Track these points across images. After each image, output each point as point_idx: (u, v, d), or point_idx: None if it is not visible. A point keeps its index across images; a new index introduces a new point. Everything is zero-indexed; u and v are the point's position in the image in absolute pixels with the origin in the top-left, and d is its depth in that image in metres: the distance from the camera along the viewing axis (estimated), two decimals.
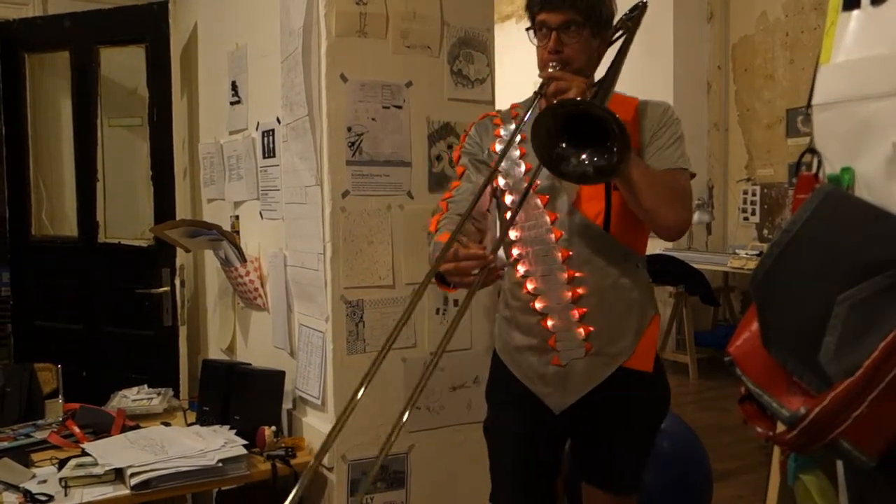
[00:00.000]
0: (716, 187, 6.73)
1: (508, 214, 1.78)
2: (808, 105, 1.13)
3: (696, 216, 6.44)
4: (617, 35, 1.84)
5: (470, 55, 2.43)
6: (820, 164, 1.11)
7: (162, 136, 3.36)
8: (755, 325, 1.05)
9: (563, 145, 1.50)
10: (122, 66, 3.54)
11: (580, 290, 1.73)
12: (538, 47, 1.73)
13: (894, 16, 1.00)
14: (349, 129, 2.26)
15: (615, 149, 1.46)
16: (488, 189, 1.78)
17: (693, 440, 2.93)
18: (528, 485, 1.85)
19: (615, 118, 1.43)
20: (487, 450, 1.92)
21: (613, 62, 1.71)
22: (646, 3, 1.87)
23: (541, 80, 1.71)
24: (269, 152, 2.69)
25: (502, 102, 2.52)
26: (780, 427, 1.03)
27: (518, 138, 1.77)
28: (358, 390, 1.25)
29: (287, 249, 2.57)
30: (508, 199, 1.80)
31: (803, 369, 0.99)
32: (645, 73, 6.83)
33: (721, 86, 6.67)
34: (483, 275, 1.54)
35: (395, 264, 2.34)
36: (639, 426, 1.83)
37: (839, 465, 1.18)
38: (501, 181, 1.81)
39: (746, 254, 5.69)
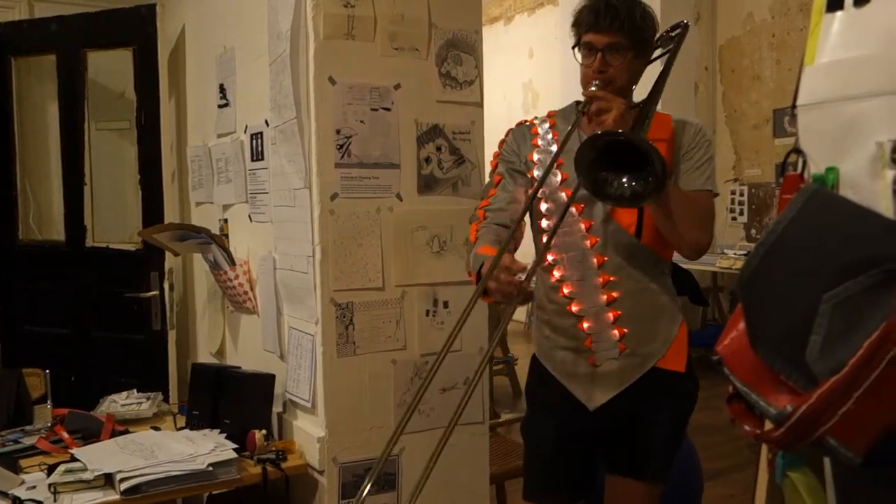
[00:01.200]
0: None
1: (543, 222, 1.86)
2: (794, 106, 1.14)
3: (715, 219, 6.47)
4: (658, 54, 1.91)
5: (458, 57, 2.44)
6: (805, 164, 1.12)
7: (150, 140, 3.35)
8: (742, 325, 1.06)
9: (604, 172, 1.59)
10: (110, 69, 3.53)
11: (614, 294, 1.82)
12: (582, 65, 1.80)
13: (877, 17, 1.01)
14: (338, 132, 2.26)
15: (652, 178, 1.55)
16: (523, 197, 1.87)
17: (685, 440, 2.95)
18: (560, 482, 1.95)
19: (654, 150, 1.53)
20: (524, 448, 2.03)
21: (656, 84, 1.80)
22: (687, 23, 1.94)
23: (583, 98, 1.79)
24: (257, 155, 2.69)
25: (490, 104, 2.53)
26: (768, 425, 1.03)
27: (554, 147, 1.86)
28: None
29: (276, 252, 2.56)
30: (544, 206, 1.87)
31: (790, 368, 0.99)
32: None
33: (709, 87, 6.71)
34: (520, 298, 1.63)
35: (385, 266, 2.34)
36: (672, 418, 1.91)
37: (826, 462, 1.19)
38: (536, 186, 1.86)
39: (735, 254, 5.72)
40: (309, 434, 2.33)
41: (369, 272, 2.32)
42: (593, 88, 1.73)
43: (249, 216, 2.79)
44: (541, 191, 1.86)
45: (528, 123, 1.96)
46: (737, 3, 6.48)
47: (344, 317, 2.29)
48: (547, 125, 1.92)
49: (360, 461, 2.31)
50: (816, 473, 1.19)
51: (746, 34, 6.41)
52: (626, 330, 1.82)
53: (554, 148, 1.85)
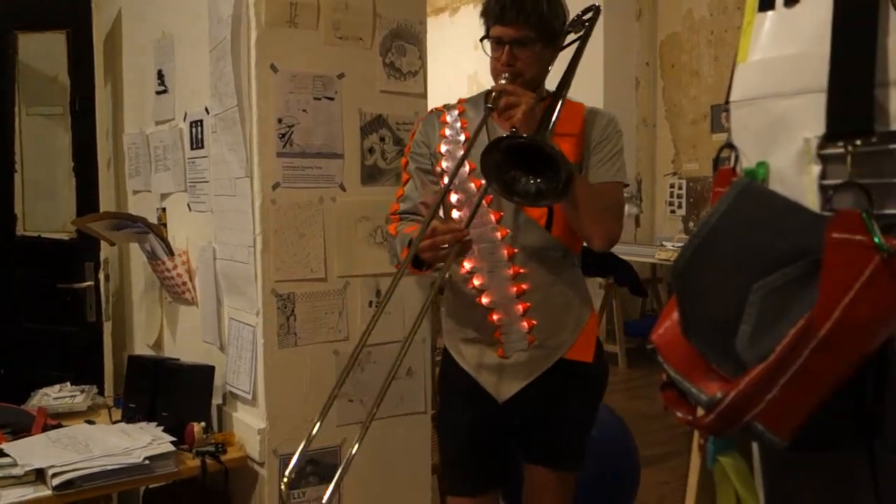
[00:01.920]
0: (644, 181, 6.89)
1: (454, 213, 1.85)
2: (727, 102, 1.17)
3: (625, 209, 6.59)
4: (569, 41, 1.89)
5: (402, 47, 2.43)
6: (737, 158, 1.16)
7: (84, 126, 3.25)
8: (676, 315, 1.09)
9: (512, 172, 1.60)
10: (42, 52, 3.41)
11: (524, 286, 1.82)
12: (492, 58, 1.80)
13: (806, 17, 1.05)
14: (280, 121, 2.23)
15: (559, 180, 1.56)
16: (432, 199, 1.85)
17: (621, 428, 3.01)
18: (476, 471, 1.97)
19: (559, 153, 1.53)
20: (438, 439, 2.05)
21: (566, 74, 1.78)
22: (599, 7, 1.94)
23: (488, 89, 1.80)
24: (197, 143, 2.64)
25: (434, 95, 2.53)
26: (700, 412, 1.07)
27: (462, 137, 1.87)
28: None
29: (216, 242, 2.52)
30: (454, 197, 1.86)
31: (720, 356, 1.02)
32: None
33: (649, 82, 6.84)
34: (457, 249, 1.66)
35: (328, 257, 2.32)
36: (580, 405, 1.95)
37: (755, 446, 1.23)
38: (447, 179, 1.85)
39: (673, 246, 5.85)
40: (249, 426, 2.31)
41: (311, 263, 2.30)
42: (502, 82, 1.73)
43: (189, 205, 2.74)
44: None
45: (437, 111, 1.95)
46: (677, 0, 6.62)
47: (285, 308, 2.27)
48: (456, 113, 1.92)
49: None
50: (745, 458, 1.23)
51: (686, 30, 6.55)
52: (535, 322, 1.83)
53: (462, 137, 1.86)
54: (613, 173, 1.83)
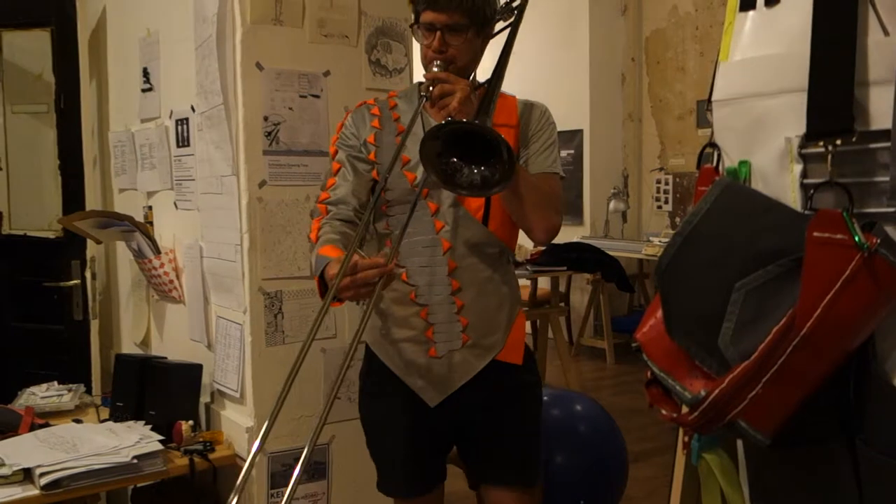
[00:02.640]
0: (631, 177, 6.92)
1: (386, 207, 1.79)
2: (709, 101, 1.19)
3: (611, 205, 6.61)
4: (500, 28, 1.83)
5: (388, 45, 2.43)
6: (720, 157, 1.17)
7: (70, 124, 3.23)
8: (660, 313, 1.10)
9: (454, 160, 1.52)
10: (26, 50, 3.38)
11: (459, 282, 1.75)
12: (422, 45, 1.74)
13: (786, 17, 1.06)
14: (266, 119, 2.23)
15: (499, 166, 1.49)
16: (367, 182, 1.81)
17: (609, 423, 3.03)
18: (418, 473, 1.87)
19: (501, 139, 1.46)
20: (367, 440, 1.93)
21: (499, 63, 1.70)
22: None
23: (420, 82, 1.73)
24: (183, 141, 2.63)
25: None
26: (684, 409, 1.08)
27: (394, 127, 1.80)
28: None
29: (203, 240, 2.52)
30: (387, 192, 1.78)
31: (704, 353, 1.04)
32: (562, 64, 6.97)
33: (635, 77, 6.86)
34: (384, 283, 1.54)
35: None
36: (521, 416, 1.84)
37: (739, 443, 1.25)
38: (379, 171, 1.80)
39: (660, 241, 5.88)
40: (237, 424, 2.31)
41: (299, 260, 2.30)
42: (435, 69, 1.68)
43: (175, 203, 2.73)
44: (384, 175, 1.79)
45: (367, 104, 1.88)
46: None
47: (273, 305, 2.27)
48: (388, 105, 1.85)
49: (289, 450, 2.30)
50: (730, 455, 1.25)
51: (671, 26, 6.57)
52: (469, 320, 1.75)
53: (395, 129, 1.80)
54: (550, 163, 1.78)
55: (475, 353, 1.77)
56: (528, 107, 1.83)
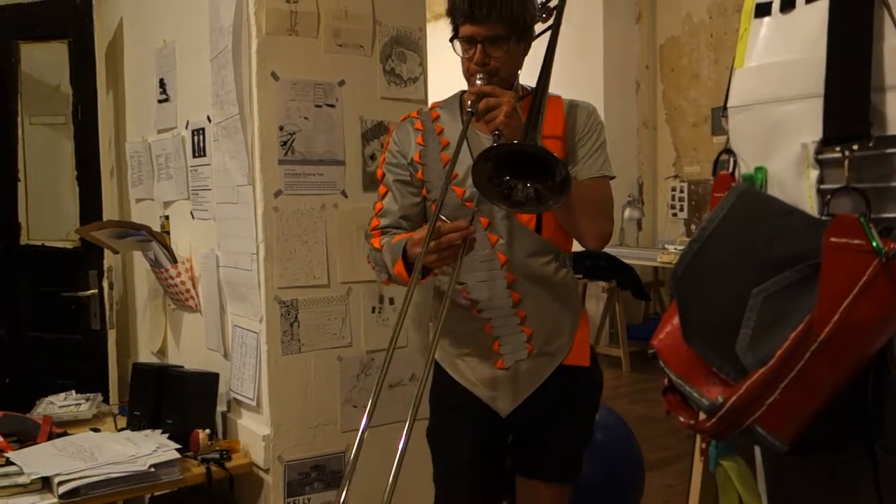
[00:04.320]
0: (645, 184, 6.90)
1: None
2: (724, 107, 1.18)
3: (626, 213, 6.60)
4: (542, 30, 1.82)
5: (402, 54, 2.44)
6: (736, 163, 1.17)
7: (87, 135, 3.27)
8: (676, 320, 1.10)
9: (506, 178, 1.52)
10: (44, 62, 3.43)
11: (520, 294, 1.75)
12: (463, 58, 1.72)
13: (801, 23, 1.06)
14: (281, 128, 2.25)
15: (556, 183, 1.48)
16: (416, 203, 1.82)
17: (626, 431, 3.01)
18: (482, 488, 1.87)
19: (552, 156, 1.46)
20: (432, 455, 1.92)
21: (543, 71, 1.69)
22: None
23: (462, 90, 1.74)
24: (199, 151, 2.65)
25: (433, 101, 2.54)
26: (701, 416, 1.07)
27: (439, 142, 1.80)
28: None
29: (219, 250, 2.53)
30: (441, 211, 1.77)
31: (721, 360, 1.03)
32: (576, 72, 6.96)
33: (649, 85, 6.84)
34: (464, 247, 1.58)
35: (330, 263, 2.33)
36: (580, 416, 1.88)
37: (757, 450, 1.24)
38: (430, 192, 1.81)
39: (675, 249, 5.85)
40: (254, 432, 2.32)
41: (314, 269, 2.31)
42: (479, 83, 1.66)
43: (191, 213, 2.75)
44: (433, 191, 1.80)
45: (411, 118, 1.87)
46: (676, 3, 6.63)
47: (289, 314, 2.28)
48: (431, 118, 1.84)
49: (306, 459, 2.30)
50: (748, 461, 1.24)
51: (685, 34, 6.56)
52: (532, 329, 1.76)
53: (440, 143, 1.79)
54: (599, 167, 1.76)
55: (542, 361, 1.79)
56: (574, 108, 1.80)
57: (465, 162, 1.71)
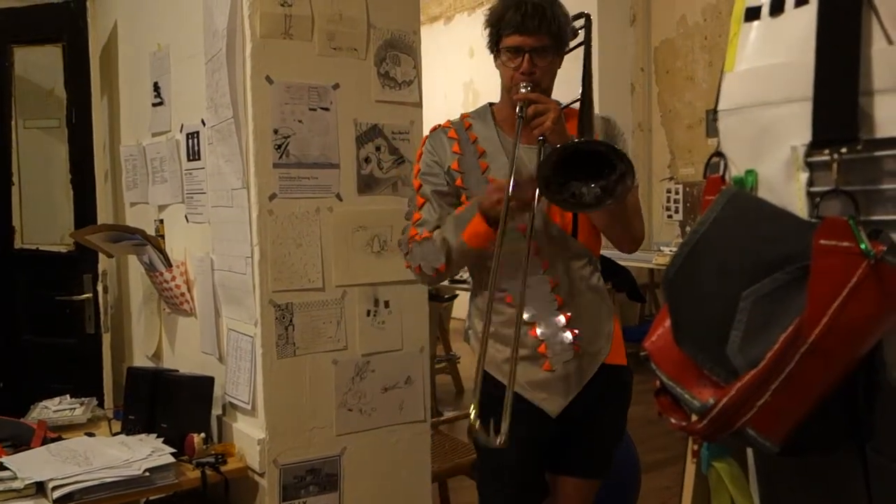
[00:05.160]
0: (641, 186, 6.89)
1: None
2: (715, 110, 1.19)
3: None
4: (570, 47, 1.89)
5: (397, 57, 2.45)
6: (726, 166, 1.17)
7: (81, 139, 3.27)
8: (668, 322, 1.10)
9: (565, 183, 1.58)
10: (38, 65, 3.43)
11: (563, 296, 1.81)
12: (506, 68, 1.77)
13: (790, 27, 1.06)
14: (276, 132, 2.25)
15: (617, 173, 1.55)
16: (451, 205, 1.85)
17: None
18: (529, 491, 1.92)
19: (613, 148, 1.55)
20: (480, 461, 1.98)
21: (585, 84, 1.78)
22: (589, 14, 1.92)
23: (490, 102, 1.82)
24: (193, 155, 2.65)
25: (432, 103, 2.55)
26: (693, 418, 1.08)
27: (475, 150, 1.84)
28: None
29: (214, 253, 2.53)
30: None
31: (712, 362, 1.04)
32: (571, 74, 6.98)
33: (644, 87, 6.86)
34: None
35: (325, 267, 2.33)
36: (617, 413, 1.96)
37: (749, 451, 1.24)
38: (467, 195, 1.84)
39: (670, 251, 5.86)
40: (249, 436, 2.32)
41: (309, 273, 2.31)
42: (523, 91, 1.72)
43: (186, 217, 2.75)
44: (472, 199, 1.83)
45: (443, 127, 1.91)
46: (670, 5, 6.64)
47: (284, 318, 2.28)
48: (464, 127, 1.88)
49: (302, 462, 2.30)
50: (740, 463, 1.24)
51: (680, 36, 6.57)
52: (577, 331, 1.82)
53: (475, 151, 1.84)
54: None
55: (586, 361, 1.85)
56: (603, 122, 1.89)
57: (501, 169, 1.77)
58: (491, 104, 1.91)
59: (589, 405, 1.86)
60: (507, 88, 1.80)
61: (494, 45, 1.79)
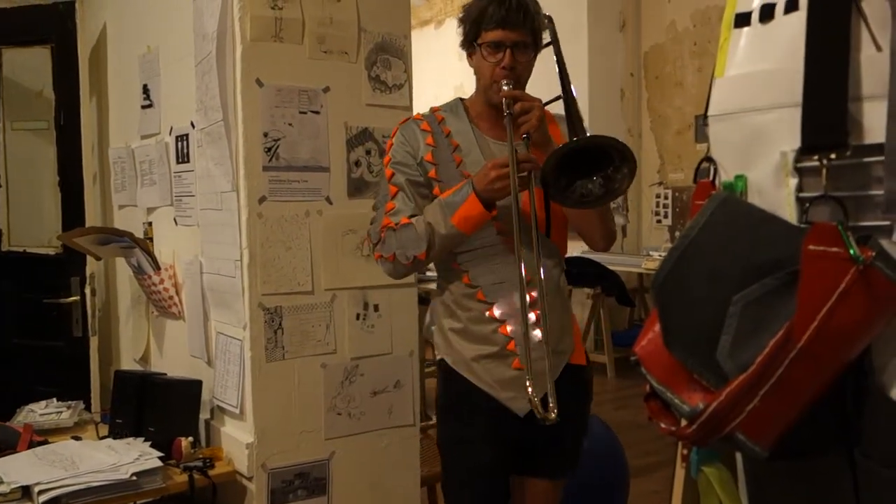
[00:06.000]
0: (630, 191, 6.93)
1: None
2: (705, 116, 1.20)
3: None
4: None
5: (387, 61, 2.45)
6: (716, 171, 1.18)
7: (70, 141, 3.25)
8: (658, 327, 1.10)
9: (565, 180, 1.61)
10: (27, 67, 3.41)
11: (534, 293, 1.78)
12: (487, 63, 1.77)
13: (780, 33, 1.07)
14: (265, 135, 2.24)
15: (619, 166, 1.58)
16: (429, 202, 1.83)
17: (611, 437, 3.02)
18: (497, 490, 1.90)
19: (613, 141, 1.57)
20: (446, 462, 1.94)
21: (564, 83, 1.77)
22: (550, 16, 1.90)
23: (460, 98, 1.82)
24: (183, 157, 2.64)
25: (420, 107, 2.55)
26: (682, 422, 1.08)
27: (449, 142, 1.85)
28: None
29: (203, 256, 2.52)
30: None
31: (702, 367, 1.04)
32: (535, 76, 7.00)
33: (634, 93, 6.88)
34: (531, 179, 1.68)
35: (314, 270, 2.33)
36: (583, 411, 1.98)
37: (738, 456, 1.25)
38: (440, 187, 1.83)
39: (660, 255, 5.88)
40: (237, 440, 2.31)
41: (298, 276, 2.31)
42: (506, 87, 1.72)
43: (175, 219, 2.74)
44: (441, 186, 1.83)
45: (415, 120, 1.90)
46: (660, 11, 6.67)
47: (273, 321, 2.27)
48: (437, 120, 1.87)
49: (290, 466, 2.29)
50: (729, 467, 1.25)
51: (669, 42, 6.60)
52: (545, 329, 1.78)
53: (448, 143, 1.84)
54: None
55: (555, 360, 1.83)
56: (563, 120, 1.86)
57: (477, 163, 1.78)
58: (462, 99, 1.91)
59: (558, 404, 1.81)
60: (486, 85, 1.79)
61: (472, 41, 1.79)
